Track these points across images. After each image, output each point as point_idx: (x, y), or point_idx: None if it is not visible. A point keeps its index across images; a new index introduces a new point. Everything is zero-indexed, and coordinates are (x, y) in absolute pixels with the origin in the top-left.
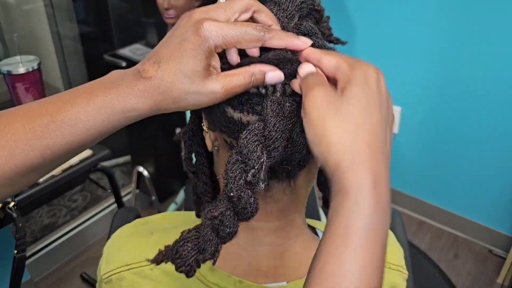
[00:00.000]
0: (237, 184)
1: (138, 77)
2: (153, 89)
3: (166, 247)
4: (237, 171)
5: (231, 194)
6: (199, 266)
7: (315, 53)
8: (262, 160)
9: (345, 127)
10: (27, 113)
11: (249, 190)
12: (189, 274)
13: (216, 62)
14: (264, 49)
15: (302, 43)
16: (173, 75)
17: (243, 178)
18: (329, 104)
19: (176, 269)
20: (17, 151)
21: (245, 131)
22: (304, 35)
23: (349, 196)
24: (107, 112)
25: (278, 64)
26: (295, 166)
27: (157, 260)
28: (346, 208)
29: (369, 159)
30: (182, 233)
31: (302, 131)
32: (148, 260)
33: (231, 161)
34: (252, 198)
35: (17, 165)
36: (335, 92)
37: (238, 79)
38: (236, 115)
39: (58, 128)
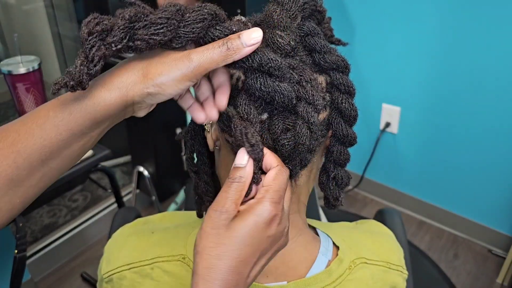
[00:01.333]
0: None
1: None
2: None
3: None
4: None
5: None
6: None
7: (273, 159)
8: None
9: (218, 258)
10: (1, 128)
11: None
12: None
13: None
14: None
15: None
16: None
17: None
18: (216, 230)
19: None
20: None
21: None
22: (307, 35)
23: None
24: (77, 104)
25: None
26: (297, 166)
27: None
28: None
29: None
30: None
31: (303, 117)
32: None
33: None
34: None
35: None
36: (226, 222)
37: (213, 48)
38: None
39: (28, 130)
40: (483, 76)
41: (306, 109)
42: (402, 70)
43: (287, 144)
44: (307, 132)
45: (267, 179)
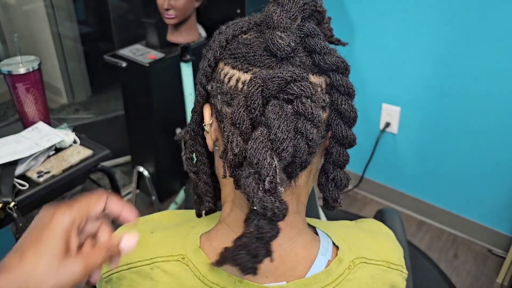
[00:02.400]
0: (257, 197)
1: (1, 270)
2: (14, 280)
3: (223, 252)
4: (253, 184)
5: (255, 208)
6: (260, 262)
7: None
8: (274, 165)
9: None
10: None
11: (271, 197)
12: (255, 272)
13: (74, 242)
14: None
15: (132, 217)
16: (34, 261)
17: (261, 188)
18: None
19: (242, 272)
20: None
21: (250, 142)
22: (307, 36)
23: None
24: None
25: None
26: (297, 167)
27: (218, 264)
28: None
29: None
30: (234, 241)
31: (302, 133)
32: (210, 264)
33: (244, 175)
34: (277, 202)
35: None
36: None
37: (95, 256)
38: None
39: None
40: (483, 76)
41: (305, 126)
42: (402, 70)
43: (283, 158)
44: (305, 147)
45: None
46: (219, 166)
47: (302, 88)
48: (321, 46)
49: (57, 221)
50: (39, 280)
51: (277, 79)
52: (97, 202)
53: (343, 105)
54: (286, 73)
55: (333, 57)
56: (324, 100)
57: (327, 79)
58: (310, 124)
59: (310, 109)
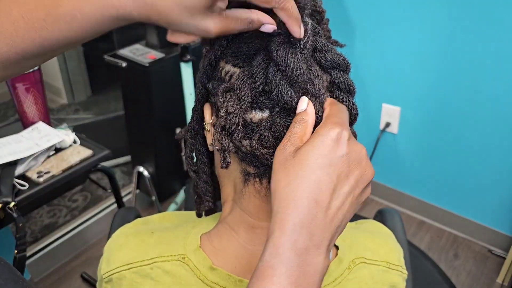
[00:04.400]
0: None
1: None
2: (151, 7)
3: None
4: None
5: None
6: None
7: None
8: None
9: (289, 186)
10: (25, 2)
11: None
12: None
13: (223, 3)
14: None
15: (298, 31)
16: (175, 4)
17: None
18: (284, 162)
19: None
20: (17, 40)
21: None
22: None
23: (273, 255)
24: (102, 14)
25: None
26: None
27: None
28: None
29: (300, 224)
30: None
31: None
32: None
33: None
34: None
35: (19, 53)
36: (292, 152)
37: (235, 24)
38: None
39: (55, 23)
40: (483, 76)
41: (312, 102)
42: (402, 70)
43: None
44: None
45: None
46: (219, 165)
47: (310, 68)
48: (322, 44)
49: None
50: (171, 22)
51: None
52: None
53: (344, 103)
54: None
55: (334, 55)
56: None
57: (328, 77)
58: (317, 101)
59: (317, 86)
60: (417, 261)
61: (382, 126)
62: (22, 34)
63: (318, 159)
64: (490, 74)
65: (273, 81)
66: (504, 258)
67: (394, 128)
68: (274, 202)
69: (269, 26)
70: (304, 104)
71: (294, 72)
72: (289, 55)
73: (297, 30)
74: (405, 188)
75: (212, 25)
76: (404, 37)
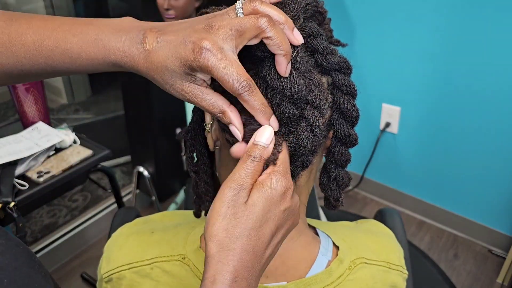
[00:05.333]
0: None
1: (139, 41)
2: (143, 60)
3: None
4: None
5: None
6: None
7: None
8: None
9: (231, 230)
10: (40, 30)
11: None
12: None
13: (203, 75)
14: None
15: (267, 121)
16: (163, 61)
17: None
18: (229, 207)
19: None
20: (24, 61)
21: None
22: (309, 36)
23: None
24: (104, 60)
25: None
26: (298, 167)
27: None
28: None
29: (239, 263)
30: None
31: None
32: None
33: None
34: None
35: (23, 70)
36: (246, 199)
37: (206, 105)
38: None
39: (61, 56)
40: (483, 76)
41: (313, 113)
42: (402, 70)
43: (289, 146)
44: (309, 135)
45: None
46: (220, 166)
47: (310, 77)
48: (323, 46)
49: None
50: (155, 78)
51: None
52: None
53: (345, 105)
54: None
55: (335, 57)
56: (326, 99)
57: (329, 79)
58: (317, 111)
59: (318, 96)
60: (417, 261)
61: (382, 126)
62: (29, 57)
63: (266, 214)
64: (490, 74)
65: (273, 101)
66: (504, 258)
67: (394, 128)
68: (213, 249)
69: (235, 131)
70: (267, 140)
71: (293, 91)
72: (282, 77)
73: (265, 122)
74: (405, 188)
75: (186, 90)
76: (404, 37)
